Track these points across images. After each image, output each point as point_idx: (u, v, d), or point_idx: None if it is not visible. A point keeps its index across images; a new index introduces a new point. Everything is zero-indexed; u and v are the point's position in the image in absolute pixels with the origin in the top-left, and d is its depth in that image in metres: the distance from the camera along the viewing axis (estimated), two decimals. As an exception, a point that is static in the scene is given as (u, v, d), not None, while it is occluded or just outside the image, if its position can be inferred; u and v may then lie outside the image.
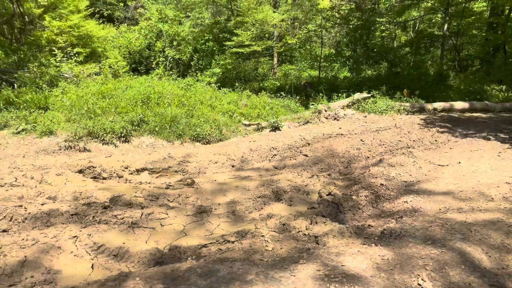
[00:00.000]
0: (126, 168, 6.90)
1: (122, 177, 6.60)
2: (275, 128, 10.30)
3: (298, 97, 15.00)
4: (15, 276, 3.16)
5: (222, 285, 2.63)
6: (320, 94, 14.59)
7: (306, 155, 7.39)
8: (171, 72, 16.72)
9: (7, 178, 5.48)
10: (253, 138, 9.41)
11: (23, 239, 3.66)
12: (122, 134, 8.70)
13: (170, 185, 6.17)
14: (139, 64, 19.36)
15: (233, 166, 7.62)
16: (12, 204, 4.43)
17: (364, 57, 20.90)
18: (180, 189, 5.98)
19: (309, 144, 8.21)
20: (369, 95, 12.43)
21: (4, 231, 3.93)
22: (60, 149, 7.83)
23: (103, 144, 8.42)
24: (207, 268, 2.95)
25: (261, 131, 10.68)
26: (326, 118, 10.66)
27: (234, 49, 19.26)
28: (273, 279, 2.71)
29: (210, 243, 3.85)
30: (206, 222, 4.49)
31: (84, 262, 3.53)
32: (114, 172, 6.67)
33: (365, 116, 11.04)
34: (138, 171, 6.94)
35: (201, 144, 9.45)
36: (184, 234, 4.20)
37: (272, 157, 7.81)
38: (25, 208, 4.42)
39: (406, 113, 11.83)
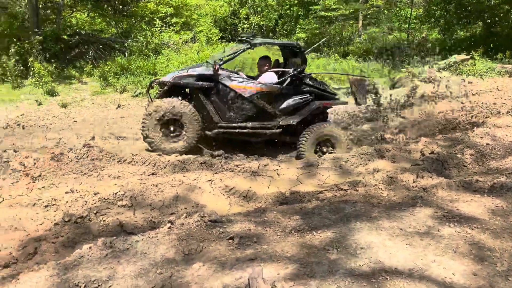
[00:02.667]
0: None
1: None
2: (368, 92, 10.37)
3: (387, 60, 14.71)
4: (172, 207, 3.93)
5: (352, 219, 3.10)
6: (414, 56, 14.15)
7: (404, 117, 7.53)
8: (257, 38, 17.19)
9: (140, 134, 6.44)
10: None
11: (172, 179, 4.45)
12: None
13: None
14: (224, 31, 20.08)
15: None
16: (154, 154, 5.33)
17: (455, 17, 19.51)
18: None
19: (404, 107, 8.28)
20: (468, 56, 11.85)
21: (153, 174, 4.77)
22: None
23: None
24: (334, 206, 3.45)
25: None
26: (421, 81, 10.48)
27: (321, 13, 19.08)
28: (395, 217, 3.12)
29: (325, 190, 4.34)
30: (316, 174, 4.99)
31: (221, 200, 4.24)
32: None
33: (463, 80, 10.65)
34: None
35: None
36: (299, 182, 4.74)
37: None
38: (164, 157, 5.27)
39: (508, 75, 11.16)
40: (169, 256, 2.57)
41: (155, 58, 11.62)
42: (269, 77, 6.20)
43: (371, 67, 13.50)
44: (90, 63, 11.48)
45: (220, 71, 5.72)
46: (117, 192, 3.99)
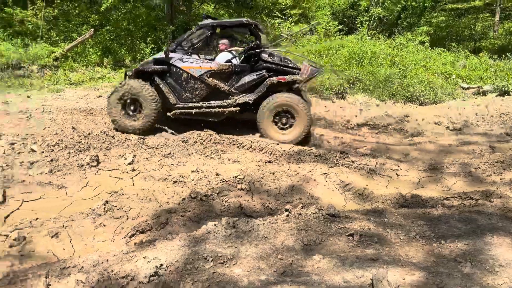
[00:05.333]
0: (348, 121, 7.44)
1: (344, 128, 7.18)
2: (504, 92, 9.24)
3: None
4: (287, 196, 3.99)
5: (487, 232, 2.80)
6: None
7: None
8: (374, 32, 16.45)
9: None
10: (475, 102, 8.73)
11: (288, 169, 4.53)
12: (339, 91, 9.26)
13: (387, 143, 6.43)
14: (341, 23, 19.58)
15: (453, 129, 7.34)
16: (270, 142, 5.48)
17: None
18: (403, 145, 6.18)
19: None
20: None
21: (269, 161, 4.90)
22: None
23: (322, 99, 9.15)
24: (464, 215, 3.15)
25: (483, 95, 9.75)
26: None
27: (450, 5, 17.48)
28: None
29: (452, 197, 4.00)
30: (441, 178, 4.62)
31: (336, 194, 4.17)
32: (336, 124, 7.31)
33: None
34: (359, 125, 7.40)
35: (415, 105, 9.28)
36: (421, 186, 4.44)
37: (502, 123, 7.18)
38: (280, 147, 5.38)
39: None
40: (288, 244, 2.61)
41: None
42: (223, 57, 6.20)
43: (508, 66, 11.96)
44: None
45: (172, 54, 5.88)
46: (237, 176, 4.18)
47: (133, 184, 4.15)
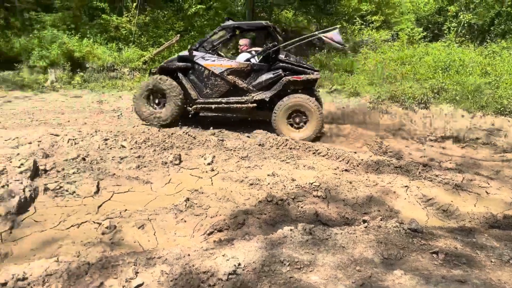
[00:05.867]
0: (431, 133, 7.04)
1: (427, 140, 6.80)
2: None
3: None
4: (365, 207, 3.87)
5: None
6: None
7: None
8: (463, 39, 15.40)
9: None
10: None
11: (366, 179, 4.40)
12: (422, 101, 8.80)
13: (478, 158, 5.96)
14: (426, 30, 18.58)
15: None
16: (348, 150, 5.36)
17: None
18: (494, 161, 5.70)
19: None
20: None
21: (346, 170, 4.80)
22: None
23: (402, 108, 8.77)
24: None
25: None
26: None
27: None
28: None
29: (553, 221, 3.60)
30: (539, 200, 4.18)
31: (417, 209, 3.96)
32: (418, 135, 6.95)
33: None
34: (443, 137, 6.97)
35: (507, 118, 8.52)
36: (516, 207, 4.06)
37: None
38: (358, 155, 5.25)
39: None
40: (367, 256, 2.53)
41: (353, 56, 11.63)
42: (243, 56, 6.61)
43: None
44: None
45: (195, 53, 6.29)
46: (312, 183, 4.15)
47: (212, 183, 4.30)
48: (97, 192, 3.82)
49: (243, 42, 6.95)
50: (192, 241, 3.11)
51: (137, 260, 2.40)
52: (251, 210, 3.54)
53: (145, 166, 4.50)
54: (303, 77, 6.13)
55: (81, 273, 2.27)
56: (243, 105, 6.25)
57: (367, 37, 13.18)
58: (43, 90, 10.54)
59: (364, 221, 3.24)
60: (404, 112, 8.74)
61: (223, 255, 2.42)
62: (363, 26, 14.14)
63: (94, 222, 3.26)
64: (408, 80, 9.78)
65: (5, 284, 2.30)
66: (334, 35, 6.21)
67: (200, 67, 6.25)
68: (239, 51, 6.97)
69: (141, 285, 2.16)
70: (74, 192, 3.73)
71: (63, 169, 4.07)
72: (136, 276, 2.22)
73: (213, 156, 4.92)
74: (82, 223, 3.24)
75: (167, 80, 6.19)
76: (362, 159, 5.12)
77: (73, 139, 4.89)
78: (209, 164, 4.75)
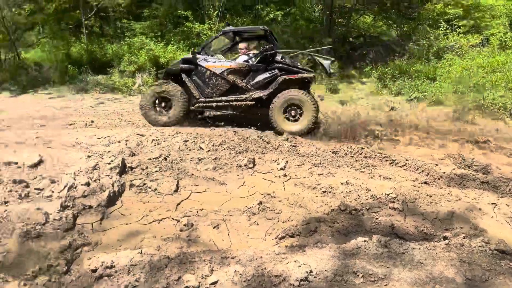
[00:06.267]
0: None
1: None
2: None
3: None
4: (446, 223, 3.64)
5: None
6: None
7: None
8: None
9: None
10: None
11: (448, 193, 4.14)
12: (515, 111, 8.08)
13: None
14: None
15: None
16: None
17: None
18: None
19: None
20: None
21: (425, 182, 4.56)
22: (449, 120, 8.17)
23: (491, 119, 8.12)
24: None
25: None
26: None
27: None
28: None
29: None
30: None
31: (506, 228, 3.63)
32: (509, 149, 6.38)
33: None
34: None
35: None
36: None
37: None
38: (439, 168, 4.96)
39: None
40: (448, 275, 2.39)
41: (436, 63, 11.01)
42: (242, 59, 7.16)
43: None
44: (370, 64, 11.96)
45: (198, 55, 6.76)
46: (389, 194, 4.00)
47: (284, 188, 4.32)
48: (176, 190, 4.04)
49: (242, 45, 7.53)
50: (264, 244, 3.16)
51: (212, 259, 2.50)
52: (324, 218, 3.51)
53: (221, 168, 4.66)
54: (297, 76, 6.62)
55: (162, 266, 2.41)
56: (242, 103, 6.73)
57: (452, 42, 12.39)
58: (131, 93, 11.40)
59: (445, 238, 3.06)
60: (493, 123, 8.07)
61: (295, 261, 2.43)
62: (448, 31, 13.32)
63: (173, 219, 3.45)
64: (498, 89, 9.03)
65: (95, 270, 2.52)
66: (325, 64, 6.89)
67: (202, 68, 6.76)
68: (239, 54, 7.55)
69: (216, 282, 2.24)
70: (156, 189, 3.98)
71: (147, 167, 4.37)
72: (211, 273, 2.31)
73: (286, 161, 4.96)
74: (162, 219, 3.44)
75: (171, 84, 6.73)
76: (444, 172, 4.82)
77: (156, 140, 5.22)
78: (282, 169, 4.79)
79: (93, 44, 14.31)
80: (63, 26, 15.42)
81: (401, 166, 5.08)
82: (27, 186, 3.56)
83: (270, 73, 6.69)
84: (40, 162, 4.05)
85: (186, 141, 5.27)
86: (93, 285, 2.40)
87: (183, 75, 6.81)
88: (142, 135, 5.34)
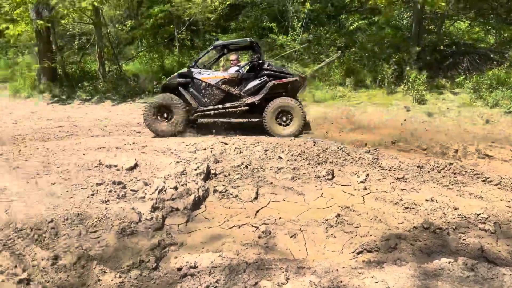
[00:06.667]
0: None
1: None
2: None
3: None
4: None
5: None
6: None
7: None
8: None
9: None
10: None
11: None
12: None
13: None
14: None
15: None
16: None
17: None
18: None
19: None
20: None
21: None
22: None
23: None
24: None
25: None
26: None
27: None
28: None
29: None
30: None
31: None
32: None
33: None
34: None
35: None
36: None
37: None
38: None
39: None
40: (544, 307, 2.18)
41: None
42: (233, 69, 7.84)
43: None
44: (463, 73, 11.18)
45: (192, 69, 7.26)
46: (479, 214, 3.74)
47: (364, 202, 4.25)
48: (256, 198, 4.18)
49: (233, 57, 8.22)
50: (340, 257, 3.15)
51: (289, 267, 2.57)
52: (405, 235, 3.39)
53: (299, 178, 4.72)
54: (285, 80, 7.23)
55: (240, 270, 2.54)
56: (237, 109, 7.20)
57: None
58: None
59: (544, 267, 2.78)
60: None
61: (372, 277, 2.40)
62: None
63: (252, 226, 3.58)
64: None
65: (180, 269, 2.73)
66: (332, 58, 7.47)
67: (198, 81, 7.26)
68: (230, 65, 8.21)
69: (290, 291, 2.30)
70: (237, 196, 4.16)
71: (229, 174, 4.59)
72: (287, 282, 2.38)
73: (366, 174, 4.86)
74: (242, 225, 3.60)
75: (170, 96, 7.08)
76: None
77: (239, 148, 5.45)
78: (362, 182, 4.70)
79: (184, 56, 15.28)
80: (158, 40, 16.68)
81: (495, 185, 4.69)
82: (124, 187, 3.96)
83: (260, 80, 7.29)
84: (136, 165, 4.47)
85: (266, 150, 5.42)
86: (178, 282, 2.60)
87: (181, 89, 7.28)
88: (226, 144, 5.60)
